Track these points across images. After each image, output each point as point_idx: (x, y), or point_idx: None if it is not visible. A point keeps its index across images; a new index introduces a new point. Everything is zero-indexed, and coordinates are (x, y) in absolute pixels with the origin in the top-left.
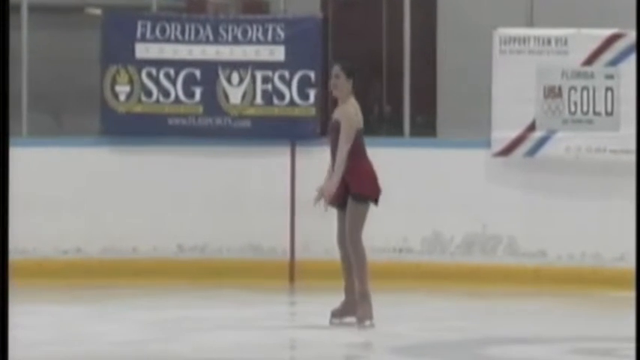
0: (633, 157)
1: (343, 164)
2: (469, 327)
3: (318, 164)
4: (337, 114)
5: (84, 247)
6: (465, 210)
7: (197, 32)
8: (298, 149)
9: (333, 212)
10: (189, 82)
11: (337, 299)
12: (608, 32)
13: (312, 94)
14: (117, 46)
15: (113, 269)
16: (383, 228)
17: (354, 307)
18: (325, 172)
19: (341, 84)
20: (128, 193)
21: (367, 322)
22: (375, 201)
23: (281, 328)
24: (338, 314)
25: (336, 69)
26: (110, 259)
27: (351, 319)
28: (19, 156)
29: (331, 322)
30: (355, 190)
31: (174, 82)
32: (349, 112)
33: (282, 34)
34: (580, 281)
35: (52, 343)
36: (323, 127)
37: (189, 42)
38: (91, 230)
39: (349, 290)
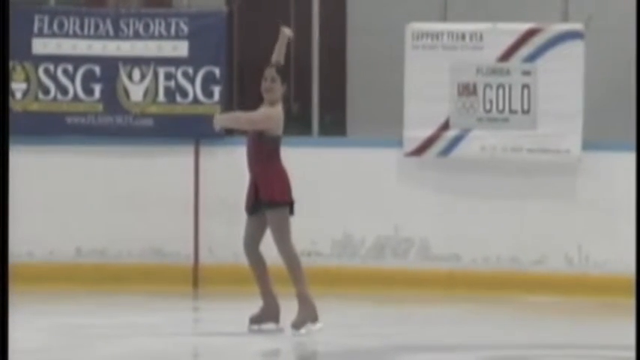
0: (551, 157)
1: (245, 121)
2: (380, 334)
3: (222, 164)
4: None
5: None
6: (377, 212)
7: (97, 27)
8: (202, 149)
9: (240, 215)
10: (89, 79)
11: (243, 305)
12: (524, 27)
13: (216, 91)
14: (13, 41)
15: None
16: (291, 231)
17: (273, 313)
18: (230, 172)
19: (276, 88)
20: (24, 195)
21: (317, 325)
22: (290, 207)
23: (184, 335)
24: (256, 320)
25: (271, 72)
26: None
27: (270, 326)
28: None
29: (250, 329)
30: (265, 197)
31: (72, 79)
32: (274, 113)
33: (185, 28)
34: (496, 286)
35: None
36: None
37: (89, 37)
38: None
39: (266, 295)
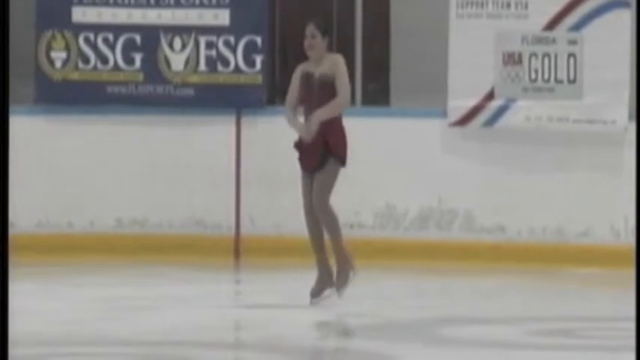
0: (597, 127)
1: (338, 108)
2: (424, 306)
3: (264, 134)
4: (326, 68)
5: (17, 221)
6: (420, 183)
7: None
8: (244, 119)
9: (282, 186)
10: (129, 48)
11: (284, 277)
12: None
13: (258, 60)
14: (52, 10)
15: (48, 245)
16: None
17: (329, 278)
18: (272, 142)
19: (318, 44)
20: (64, 165)
21: (352, 274)
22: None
23: (225, 308)
24: (317, 292)
25: (310, 28)
26: (44, 234)
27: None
28: None
29: (312, 303)
30: (338, 151)
31: (113, 48)
32: (342, 65)
33: None
34: (541, 258)
35: None
36: (270, 96)
37: (129, 5)
38: (25, 204)
39: (321, 264)
